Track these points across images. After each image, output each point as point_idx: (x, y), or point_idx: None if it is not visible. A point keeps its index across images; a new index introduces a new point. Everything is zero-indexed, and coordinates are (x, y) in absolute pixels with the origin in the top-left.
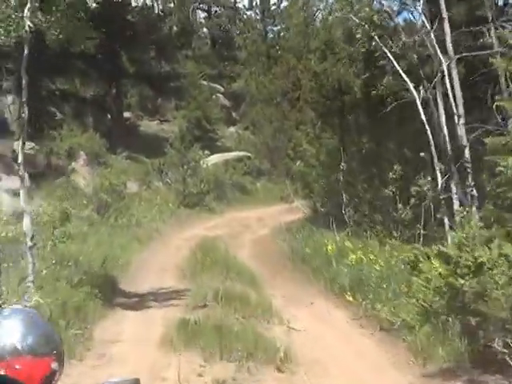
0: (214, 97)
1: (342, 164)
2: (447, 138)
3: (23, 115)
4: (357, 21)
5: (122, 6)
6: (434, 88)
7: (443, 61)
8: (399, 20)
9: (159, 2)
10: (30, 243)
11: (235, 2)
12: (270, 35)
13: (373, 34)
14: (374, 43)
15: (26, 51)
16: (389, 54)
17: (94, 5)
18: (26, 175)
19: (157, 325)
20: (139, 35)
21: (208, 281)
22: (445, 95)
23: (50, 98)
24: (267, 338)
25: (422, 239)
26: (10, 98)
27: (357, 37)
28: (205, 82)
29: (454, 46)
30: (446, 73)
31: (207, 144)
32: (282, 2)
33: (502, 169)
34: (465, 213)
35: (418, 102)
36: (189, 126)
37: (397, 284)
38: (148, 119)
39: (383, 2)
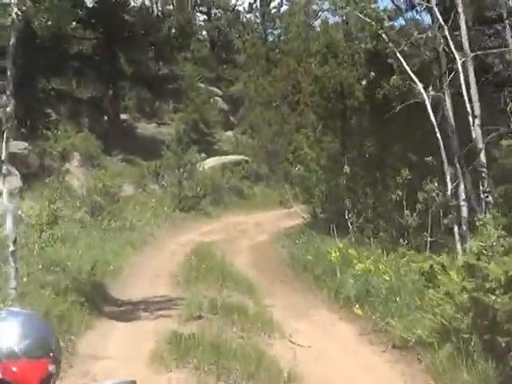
0: (212, 100)
1: (346, 168)
2: (456, 141)
3: (8, 109)
4: (366, 19)
5: (120, 6)
6: (442, 88)
7: (458, 58)
8: (409, 16)
9: (158, 4)
10: (12, 247)
11: (235, 5)
12: (270, 38)
13: (380, 31)
14: (378, 42)
15: (12, 39)
16: (397, 53)
17: (92, 4)
18: (18, 175)
19: (147, 338)
20: (137, 36)
21: (203, 289)
22: (455, 95)
23: (46, 98)
24: (269, 355)
25: (428, 247)
26: (4, 98)
27: (361, 35)
28: (203, 85)
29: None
30: (460, 71)
31: (204, 147)
32: (282, 6)
33: None
34: (482, 220)
35: (428, 103)
36: (186, 128)
37: (409, 297)
38: (145, 122)
39: None
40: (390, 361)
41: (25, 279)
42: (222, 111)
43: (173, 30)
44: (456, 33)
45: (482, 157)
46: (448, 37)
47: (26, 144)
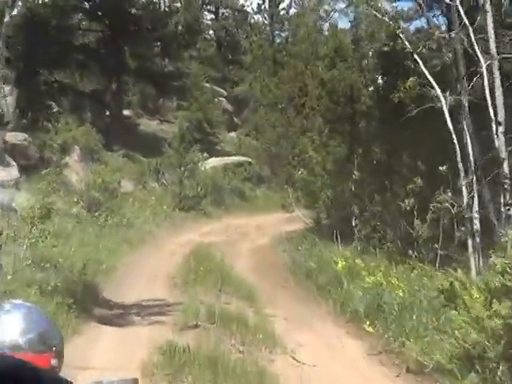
0: (216, 100)
1: (355, 173)
2: (473, 150)
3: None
4: (384, 18)
5: None
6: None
7: (482, 61)
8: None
9: (166, 2)
10: None
11: (243, 6)
12: (277, 40)
13: (397, 31)
14: (395, 43)
15: (6, 18)
16: (415, 55)
17: None
18: (15, 166)
19: (138, 348)
20: (143, 30)
21: (201, 293)
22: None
23: (48, 91)
24: (270, 374)
25: (439, 260)
26: (6, 89)
27: (371, 38)
28: (208, 85)
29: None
30: (485, 74)
31: (207, 147)
32: (291, 7)
33: None
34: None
35: (445, 108)
36: (189, 126)
37: (425, 315)
38: (148, 118)
39: None
40: None
41: (10, 276)
42: (226, 112)
43: (180, 27)
44: (480, 35)
45: (506, 167)
46: (473, 38)
47: (26, 135)
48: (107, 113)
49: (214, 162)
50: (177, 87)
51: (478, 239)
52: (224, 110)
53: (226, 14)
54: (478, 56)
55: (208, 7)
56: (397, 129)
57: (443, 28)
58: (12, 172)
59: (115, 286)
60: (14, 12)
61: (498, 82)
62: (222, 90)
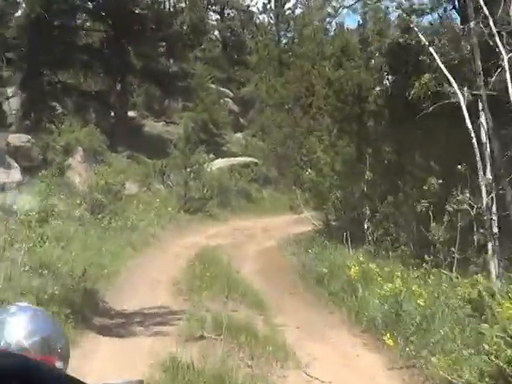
0: (222, 101)
1: (367, 174)
2: (492, 148)
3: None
4: (398, 10)
5: None
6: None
7: (504, 54)
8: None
9: (171, 2)
10: None
11: (248, 6)
12: (283, 40)
13: (412, 24)
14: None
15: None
16: (430, 49)
17: None
18: (18, 168)
19: (139, 362)
20: (148, 30)
21: (207, 300)
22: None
23: (52, 91)
24: None
25: (456, 264)
26: (9, 90)
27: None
28: (213, 86)
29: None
30: (507, 68)
31: (213, 148)
32: (296, 7)
33: None
34: None
35: (463, 104)
36: (195, 127)
37: (449, 327)
38: (153, 120)
39: None
40: None
41: (1, 284)
42: (231, 112)
43: (185, 28)
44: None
45: None
46: (494, 29)
47: (29, 137)
48: (112, 114)
49: (219, 163)
50: (182, 88)
51: (497, 242)
52: (230, 111)
53: (232, 15)
54: (499, 48)
55: (213, 7)
56: (408, 128)
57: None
58: (14, 174)
59: (117, 292)
60: (18, 13)
61: None
62: (227, 91)
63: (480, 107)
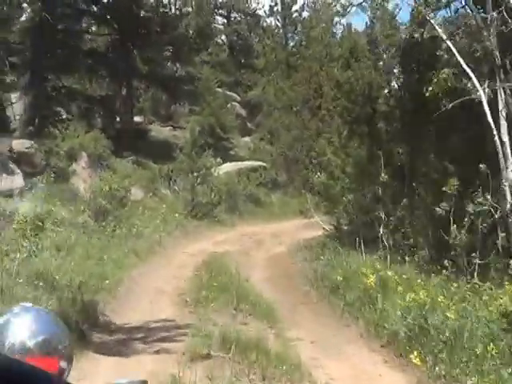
0: (229, 105)
1: (382, 176)
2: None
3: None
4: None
5: (135, 1)
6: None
7: None
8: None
9: (177, 3)
10: None
11: (255, 9)
12: (291, 43)
13: (429, 17)
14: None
15: None
16: (448, 42)
17: None
18: (20, 174)
19: None
20: (153, 34)
21: (214, 313)
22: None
23: (56, 97)
24: None
25: (477, 271)
26: (14, 96)
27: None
28: (220, 90)
29: None
30: None
31: (220, 152)
32: (303, 10)
33: None
34: None
35: (484, 100)
36: (202, 132)
37: (482, 343)
38: (160, 125)
39: None
40: None
41: None
42: (239, 116)
43: (191, 31)
44: None
45: None
46: None
47: (32, 142)
48: (117, 119)
49: (227, 167)
50: (188, 92)
51: None
52: (237, 115)
53: (238, 19)
54: None
55: (220, 11)
56: (421, 128)
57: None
58: (17, 180)
59: (119, 304)
60: (23, 18)
61: None
62: (234, 95)
63: (500, 103)
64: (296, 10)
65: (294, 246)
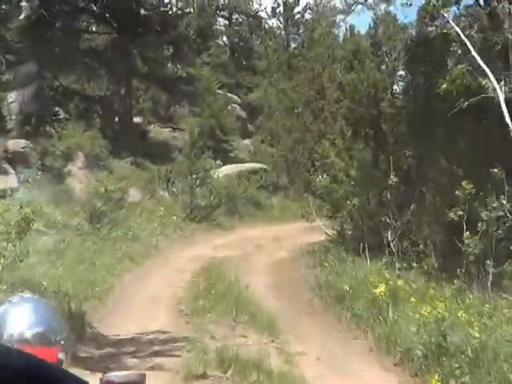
0: (229, 107)
1: (392, 178)
2: None
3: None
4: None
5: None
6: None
7: None
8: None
9: (178, 6)
10: None
11: (257, 11)
12: (293, 45)
13: (442, 11)
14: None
15: None
16: (463, 36)
17: None
18: (14, 175)
19: None
20: (153, 33)
21: (212, 324)
22: None
23: (54, 96)
24: None
25: (491, 280)
26: (10, 95)
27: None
28: (221, 91)
29: None
30: None
31: (220, 155)
32: (306, 11)
33: None
34: None
35: (502, 98)
36: (202, 133)
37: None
38: (160, 126)
39: None
40: None
41: None
42: (239, 118)
43: (191, 31)
44: None
45: None
46: None
47: (28, 142)
48: (116, 119)
49: (227, 169)
50: (188, 93)
51: None
52: (237, 117)
53: (240, 20)
54: None
55: (221, 13)
56: (428, 129)
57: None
58: (10, 181)
59: (109, 313)
60: (21, 16)
61: None
62: (235, 97)
63: None
64: (298, 12)
65: (295, 251)
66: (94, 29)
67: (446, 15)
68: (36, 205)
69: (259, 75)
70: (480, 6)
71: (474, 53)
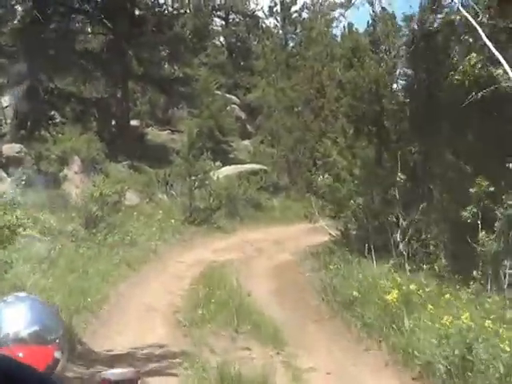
0: (228, 108)
1: (400, 176)
2: None
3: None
4: None
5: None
6: None
7: None
8: None
9: (175, 4)
10: None
11: (254, 11)
12: (291, 43)
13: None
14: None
15: None
16: (474, 23)
17: None
18: (8, 179)
19: None
20: (149, 33)
21: (212, 336)
22: None
23: (49, 99)
24: None
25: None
26: (4, 99)
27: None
28: (219, 92)
29: None
30: None
31: (220, 156)
32: (303, 10)
33: None
34: None
35: None
36: (200, 135)
37: None
38: (158, 129)
39: None
40: None
41: None
42: (238, 119)
43: (187, 31)
44: None
45: None
46: None
47: (22, 146)
48: (113, 122)
49: (227, 170)
50: (186, 94)
51: None
52: (236, 118)
53: (237, 20)
54: None
55: (218, 13)
56: (433, 124)
57: None
58: (3, 186)
59: (102, 326)
60: (15, 21)
61: None
62: (234, 98)
63: None
64: (296, 11)
65: (298, 253)
66: (89, 30)
67: (456, 0)
68: (24, 208)
69: (257, 75)
70: None
71: (486, 40)
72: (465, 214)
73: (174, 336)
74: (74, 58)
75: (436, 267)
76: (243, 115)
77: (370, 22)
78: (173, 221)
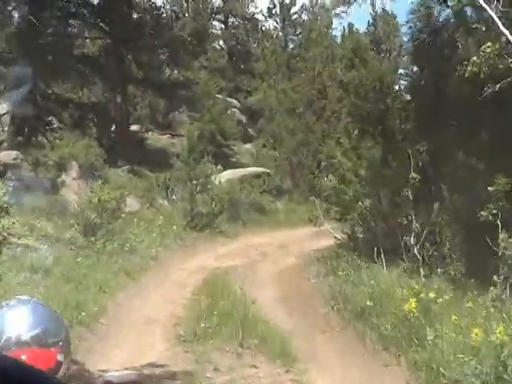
0: (229, 112)
1: (413, 175)
2: None
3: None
4: None
5: (127, 2)
6: None
7: None
8: None
9: (174, 7)
10: None
11: (253, 14)
12: (291, 45)
13: None
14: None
15: None
16: (488, 9)
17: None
18: (4, 187)
19: None
20: (147, 36)
21: (215, 352)
22: None
23: (46, 105)
24: None
25: None
26: (1, 107)
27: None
28: (220, 96)
29: None
30: None
31: (221, 160)
32: (303, 12)
33: None
34: None
35: None
36: (202, 138)
37: None
38: (158, 133)
39: None
40: None
41: None
42: (239, 123)
43: (186, 34)
44: None
45: None
46: None
47: (18, 153)
48: (113, 127)
49: (228, 174)
50: (186, 98)
51: None
52: (238, 122)
53: (236, 23)
54: None
55: (217, 16)
56: (442, 121)
57: None
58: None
59: (97, 341)
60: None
61: None
62: (235, 101)
63: None
64: (295, 12)
65: (304, 257)
66: (86, 34)
67: None
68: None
69: (258, 78)
70: None
71: (503, 28)
72: (484, 214)
73: (174, 352)
74: (71, 62)
75: (452, 271)
76: (244, 119)
77: (371, 21)
78: (174, 226)
